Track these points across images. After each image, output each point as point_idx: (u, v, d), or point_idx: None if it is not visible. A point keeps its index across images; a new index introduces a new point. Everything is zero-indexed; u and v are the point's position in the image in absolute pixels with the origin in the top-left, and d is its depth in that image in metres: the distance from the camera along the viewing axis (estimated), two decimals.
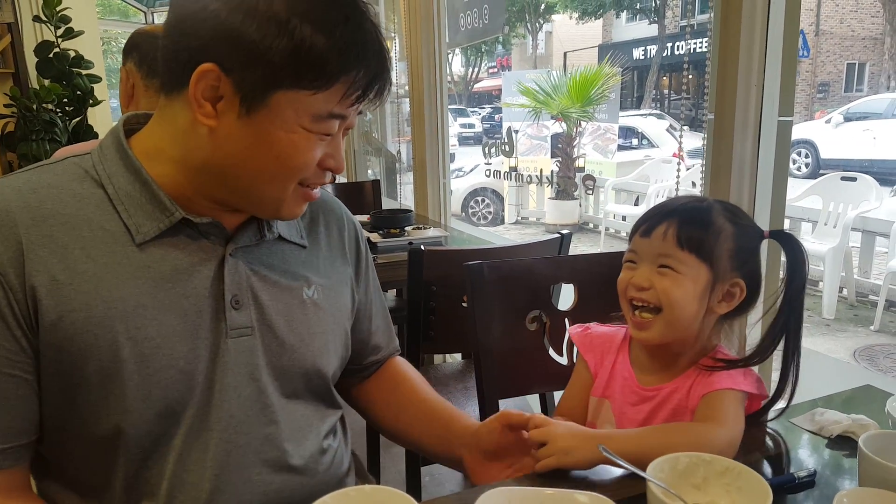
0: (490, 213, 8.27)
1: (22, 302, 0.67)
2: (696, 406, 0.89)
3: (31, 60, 4.06)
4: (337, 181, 3.01)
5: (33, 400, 0.70)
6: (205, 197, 0.75)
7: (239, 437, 0.77)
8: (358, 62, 0.69)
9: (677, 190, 1.51)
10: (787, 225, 5.33)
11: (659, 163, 7.27)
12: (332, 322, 0.87)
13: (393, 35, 3.53)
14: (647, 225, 0.92)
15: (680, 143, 1.72)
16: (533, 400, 1.69)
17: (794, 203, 5.38)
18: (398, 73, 3.35)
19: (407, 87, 3.00)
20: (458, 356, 2.32)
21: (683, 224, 0.89)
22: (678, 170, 1.47)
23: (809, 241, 4.95)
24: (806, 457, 0.87)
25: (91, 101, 3.94)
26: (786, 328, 0.90)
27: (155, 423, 0.72)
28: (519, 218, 8.21)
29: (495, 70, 21.92)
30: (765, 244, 1.00)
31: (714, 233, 0.89)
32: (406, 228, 2.09)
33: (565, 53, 20.12)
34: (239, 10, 0.66)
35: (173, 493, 0.73)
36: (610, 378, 0.97)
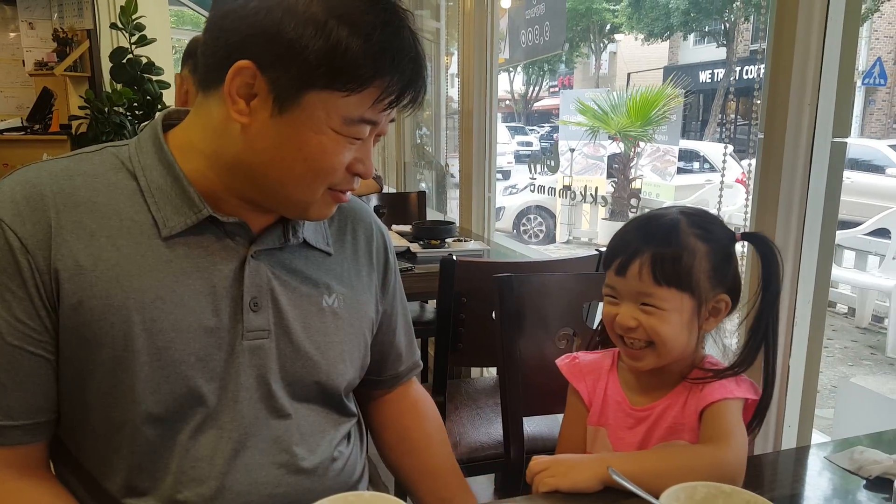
0: (542, 231, 8.19)
1: (47, 283, 0.69)
2: (692, 423, 0.87)
3: (106, 65, 4.31)
4: (384, 191, 3.04)
5: (53, 379, 0.72)
6: (234, 194, 0.76)
7: (248, 438, 0.76)
8: (392, 68, 0.69)
9: (718, 209, 1.46)
10: (853, 258, 5.12)
11: (719, 187, 7.04)
12: (351, 332, 0.85)
13: (453, 51, 3.57)
14: (618, 263, 0.88)
15: (721, 165, 1.67)
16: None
17: (862, 235, 5.12)
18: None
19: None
20: (493, 371, 2.30)
21: (656, 259, 0.85)
22: (720, 194, 1.42)
23: (876, 276, 4.69)
24: (839, 497, 0.81)
25: (160, 106, 4.12)
26: (765, 336, 0.87)
27: (162, 417, 0.72)
28: (570, 238, 8.11)
29: (556, 89, 21.82)
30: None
31: (688, 259, 0.85)
32: (447, 240, 2.09)
33: (629, 74, 19.86)
34: (278, 8, 0.66)
35: (178, 488, 0.73)
36: (604, 405, 0.95)
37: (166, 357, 0.71)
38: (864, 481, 0.82)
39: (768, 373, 0.88)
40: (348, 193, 0.78)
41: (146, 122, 0.81)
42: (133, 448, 0.73)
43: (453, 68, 3.56)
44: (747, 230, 1.25)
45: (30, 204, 0.69)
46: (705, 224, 0.88)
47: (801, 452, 0.98)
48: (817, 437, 1.32)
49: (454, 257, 1.41)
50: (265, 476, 0.77)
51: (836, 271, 4.78)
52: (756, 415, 0.88)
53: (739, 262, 0.93)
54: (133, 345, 0.70)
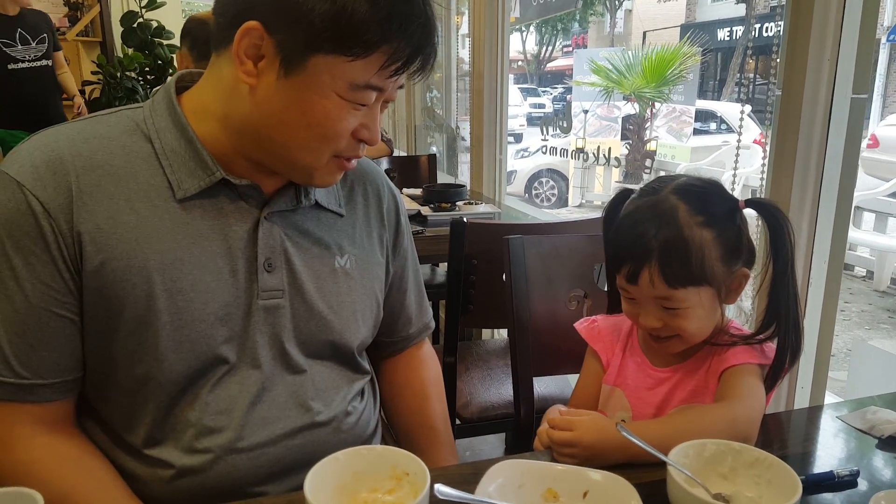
0: (554, 194, 8.13)
1: (70, 246, 0.70)
2: (714, 386, 0.86)
3: (116, 30, 4.29)
4: (395, 154, 3.02)
5: (78, 339, 0.74)
6: (244, 157, 0.76)
7: (265, 392, 0.79)
8: (400, 33, 0.68)
9: (735, 171, 1.43)
10: (873, 220, 5.03)
11: (736, 149, 6.93)
12: (363, 292, 0.87)
13: (464, 11, 3.49)
14: (627, 271, 0.84)
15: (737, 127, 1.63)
16: (575, 379, 1.66)
17: (883, 196, 5.03)
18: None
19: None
20: (504, 332, 2.31)
21: (664, 264, 0.81)
22: (736, 155, 1.39)
23: None
24: (852, 456, 0.81)
25: (171, 70, 4.12)
26: (777, 307, 0.85)
27: (184, 373, 0.75)
28: (583, 201, 8.04)
29: (570, 49, 21.37)
30: None
31: (697, 255, 0.81)
32: (458, 203, 2.08)
33: (645, 33, 19.37)
34: None
35: (198, 438, 0.76)
36: (622, 366, 0.94)
37: (187, 316, 0.73)
38: (877, 441, 0.82)
39: (783, 340, 0.85)
40: (354, 161, 0.78)
41: (158, 87, 0.81)
42: (156, 403, 0.75)
43: (464, 28, 3.49)
44: (763, 192, 1.23)
45: (50, 168, 0.70)
46: (705, 204, 0.83)
47: (814, 412, 0.98)
48: (831, 399, 1.32)
49: (465, 219, 1.40)
50: (281, 428, 0.79)
51: (854, 233, 4.71)
52: (768, 378, 0.86)
53: (752, 223, 0.90)
54: (155, 304, 0.72)
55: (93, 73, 4.06)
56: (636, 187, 0.91)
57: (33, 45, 3.47)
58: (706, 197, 0.84)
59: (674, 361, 0.90)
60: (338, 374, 0.86)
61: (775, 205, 0.85)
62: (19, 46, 3.41)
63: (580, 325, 1.00)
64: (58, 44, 3.71)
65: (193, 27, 1.65)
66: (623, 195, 0.91)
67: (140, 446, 0.77)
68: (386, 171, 2.63)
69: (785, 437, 0.86)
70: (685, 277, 0.82)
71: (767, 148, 1.22)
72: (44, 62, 3.55)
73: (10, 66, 3.41)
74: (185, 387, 0.76)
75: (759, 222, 0.96)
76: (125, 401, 0.76)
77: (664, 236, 0.81)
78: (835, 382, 1.96)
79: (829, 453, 0.82)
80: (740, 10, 17.61)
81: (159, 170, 0.74)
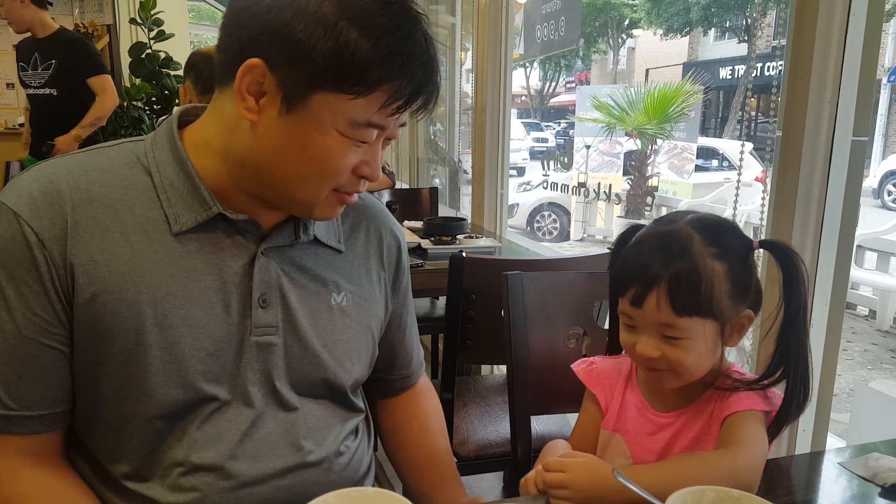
0: (556, 228, 8.16)
1: (63, 278, 0.70)
2: (717, 432, 0.83)
3: (125, 60, 4.36)
4: (397, 186, 3.03)
5: (67, 371, 0.73)
6: (244, 191, 0.76)
7: (255, 431, 0.77)
8: (402, 72, 0.68)
9: (735, 208, 1.43)
10: (875, 259, 5.03)
11: (736, 185, 6.96)
12: (359, 330, 0.86)
13: (468, 47, 3.55)
14: (633, 293, 0.82)
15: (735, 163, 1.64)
16: (574, 418, 1.63)
17: (885, 236, 5.03)
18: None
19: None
20: (503, 368, 2.28)
21: (674, 289, 0.79)
22: (737, 192, 1.39)
23: None
24: None
25: (177, 101, 4.17)
26: (787, 354, 0.82)
27: (172, 409, 0.73)
28: (585, 235, 8.06)
29: (573, 85, 21.68)
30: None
31: (707, 284, 0.79)
32: (458, 237, 2.08)
33: (647, 70, 19.69)
34: (289, 8, 0.66)
35: (186, 476, 0.74)
36: (621, 410, 0.91)
37: (177, 351, 0.72)
38: (880, 489, 0.80)
39: (790, 390, 0.82)
40: (355, 195, 0.78)
41: (164, 117, 0.82)
42: (143, 439, 0.74)
43: (468, 64, 3.54)
44: (763, 227, 1.22)
45: (46, 199, 0.70)
46: (720, 238, 0.82)
47: (816, 458, 0.96)
48: (833, 442, 1.29)
49: (463, 254, 1.40)
50: (271, 467, 0.78)
51: (857, 273, 4.69)
52: (771, 427, 0.83)
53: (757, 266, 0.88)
54: (144, 339, 0.71)
55: None
56: (645, 223, 0.90)
57: (39, 70, 3.35)
58: (721, 231, 0.83)
59: (676, 406, 0.87)
60: (331, 413, 0.85)
61: (791, 247, 0.83)
62: (29, 71, 3.36)
63: (578, 367, 0.98)
64: (87, 70, 3.35)
65: (198, 61, 1.69)
66: (633, 229, 0.90)
67: (126, 483, 0.75)
68: (387, 203, 2.65)
69: (786, 483, 0.84)
70: (692, 306, 0.80)
71: (768, 187, 1.22)
72: (46, 90, 3.35)
73: (25, 90, 3.44)
74: (173, 423, 0.74)
75: (762, 262, 0.95)
76: (111, 436, 0.75)
77: (676, 262, 0.80)
78: (837, 424, 1.93)
79: (831, 501, 0.80)
80: (742, 49, 17.92)
81: (157, 203, 0.74)
